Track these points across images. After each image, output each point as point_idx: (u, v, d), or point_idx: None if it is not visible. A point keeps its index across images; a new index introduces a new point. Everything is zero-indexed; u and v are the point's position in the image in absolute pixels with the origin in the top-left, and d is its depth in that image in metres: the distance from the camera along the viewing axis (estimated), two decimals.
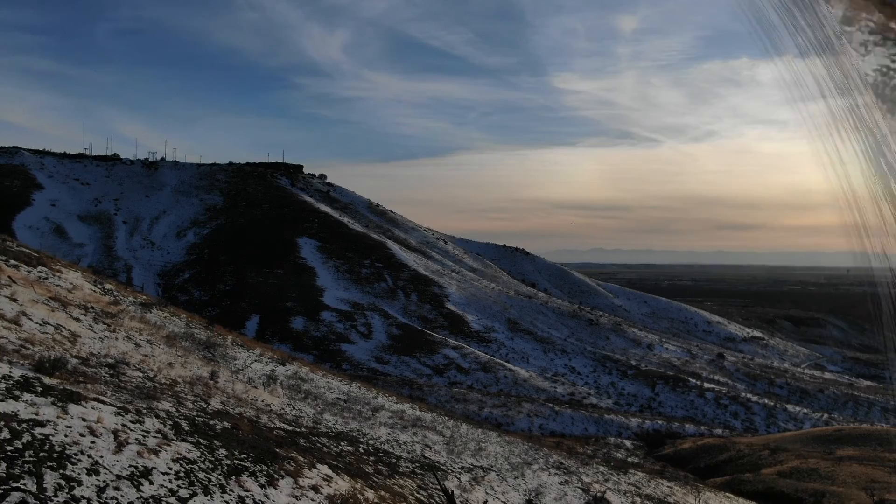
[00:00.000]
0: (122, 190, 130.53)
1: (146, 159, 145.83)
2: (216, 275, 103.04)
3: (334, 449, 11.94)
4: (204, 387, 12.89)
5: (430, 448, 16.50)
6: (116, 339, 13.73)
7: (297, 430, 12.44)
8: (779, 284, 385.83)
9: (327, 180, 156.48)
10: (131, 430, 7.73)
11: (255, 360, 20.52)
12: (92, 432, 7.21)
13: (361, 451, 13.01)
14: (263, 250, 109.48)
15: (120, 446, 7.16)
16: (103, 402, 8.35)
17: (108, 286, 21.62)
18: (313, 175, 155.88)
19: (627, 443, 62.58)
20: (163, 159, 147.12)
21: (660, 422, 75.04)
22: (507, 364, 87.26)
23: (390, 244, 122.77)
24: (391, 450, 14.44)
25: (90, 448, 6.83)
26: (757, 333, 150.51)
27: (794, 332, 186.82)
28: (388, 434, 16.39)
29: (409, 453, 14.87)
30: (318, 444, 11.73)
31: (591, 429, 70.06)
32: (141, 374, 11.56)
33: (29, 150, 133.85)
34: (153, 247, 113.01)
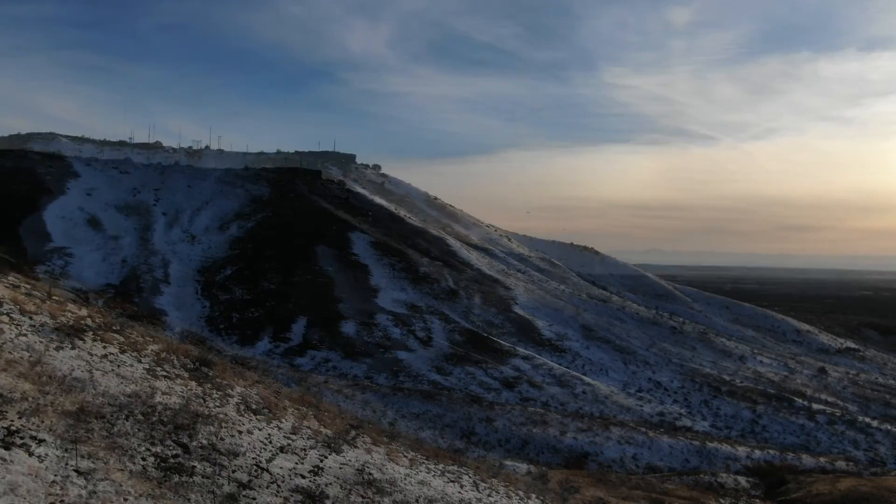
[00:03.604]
0: (162, 180, 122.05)
1: (189, 147, 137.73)
2: (260, 271, 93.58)
3: None
4: None
5: None
6: None
7: None
8: (850, 289, 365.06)
9: (381, 171, 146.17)
10: None
11: (281, 449, 9.78)
12: None
13: None
14: (312, 245, 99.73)
15: None
16: None
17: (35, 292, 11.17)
18: (367, 165, 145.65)
19: (742, 480, 51.00)
20: (206, 147, 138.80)
21: (771, 451, 62.61)
22: (584, 377, 76.07)
23: (450, 241, 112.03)
24: None
25: None
26: (851, 344, 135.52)
27: (881, 342, 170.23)
28: None
29: None
30: None
31: (694, 460, 58.39)
32: None
33: (66, 137, 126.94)
34: (193, 240, 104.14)
